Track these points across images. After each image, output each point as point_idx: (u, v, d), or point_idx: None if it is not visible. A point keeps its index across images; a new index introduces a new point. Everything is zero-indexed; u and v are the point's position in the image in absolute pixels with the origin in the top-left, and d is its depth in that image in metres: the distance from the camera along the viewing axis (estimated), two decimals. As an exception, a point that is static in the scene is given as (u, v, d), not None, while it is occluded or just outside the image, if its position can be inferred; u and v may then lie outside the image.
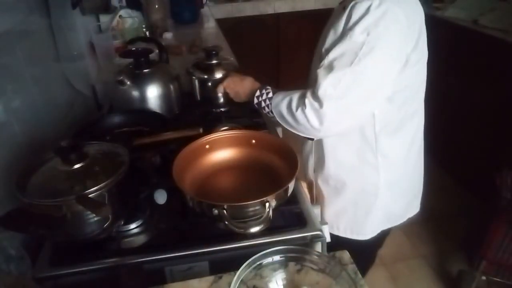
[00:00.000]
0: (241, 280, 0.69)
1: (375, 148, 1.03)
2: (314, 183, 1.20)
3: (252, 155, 1.05)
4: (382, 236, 1.21)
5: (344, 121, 0.91)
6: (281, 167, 0.98)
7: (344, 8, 0.90)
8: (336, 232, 1.18)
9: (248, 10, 3.13)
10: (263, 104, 1.02)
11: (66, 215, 0.75)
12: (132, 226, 0.92)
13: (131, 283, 0.77)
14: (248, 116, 1.31)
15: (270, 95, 1.01)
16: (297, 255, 0.74)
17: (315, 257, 0.74)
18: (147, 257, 0.84)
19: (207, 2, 2.84)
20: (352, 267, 0.78)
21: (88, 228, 0.80)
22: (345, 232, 1.17)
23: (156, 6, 2.23)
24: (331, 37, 0.92)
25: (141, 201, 0.95)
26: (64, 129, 1.25)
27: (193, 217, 0.92)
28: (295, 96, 0.94)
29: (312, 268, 0.74)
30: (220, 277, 0.78)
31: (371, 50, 0.83)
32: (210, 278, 0.78)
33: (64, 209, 0.74)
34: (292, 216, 0.93)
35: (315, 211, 0.96)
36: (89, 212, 0.77)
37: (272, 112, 1.00)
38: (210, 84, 1.29)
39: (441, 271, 1.99)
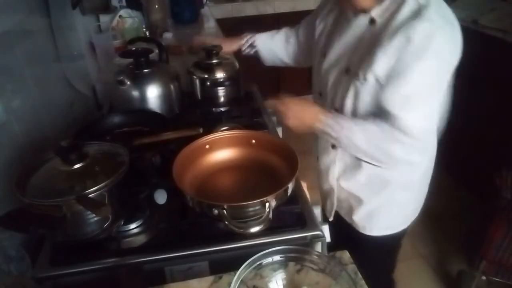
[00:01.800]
0: (241, 280, 0.69)
1: (421, 146, 0.99)
2: (335, 191, 1.16)
3: (252, 155, 1.05)
4: (406, 230, 1.21)
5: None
6: (281, 167, 0.99)
7: (373, 22, 0.91)
8: (368, 233, 1.15)
9: (248, 10, 3.12)
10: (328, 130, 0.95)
11: (66, 215, 0.75)
12: (132, 226, 0.92)
13: (131, 283, 0.77)
14: (248, 116, 1.31)
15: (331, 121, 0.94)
16: (297, 255, 0.74)
17: (315, 257, 0.74)
18: (147, 257, 0.84)
19: (207, 2, 2.83)
20: (352, 267, 0.78)
21: (88, 228, 0.81)
22: (378, 231, 1.15)
23: (156, 6, 2.22)
24: (382, 60, 0.88)
25: (141, 201, 0.95)
26: (64, 129, 1.25)
27: (193, 217, 0.92)
28: (378, 135, 0.92)
29: (312, 268, 0.74)
30: (220, 277, 0.78)
31: (440, 74, 0.88)
32: (210, 278, 0.78)
33: (64, 209, 0.75)
34: (292, 216, 0.93)
35: (315, 211, 0.96)
36: (89, 212, 0.77)
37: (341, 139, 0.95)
38: (209, 83, 1.29)
39: (441, 271, 1.99)
